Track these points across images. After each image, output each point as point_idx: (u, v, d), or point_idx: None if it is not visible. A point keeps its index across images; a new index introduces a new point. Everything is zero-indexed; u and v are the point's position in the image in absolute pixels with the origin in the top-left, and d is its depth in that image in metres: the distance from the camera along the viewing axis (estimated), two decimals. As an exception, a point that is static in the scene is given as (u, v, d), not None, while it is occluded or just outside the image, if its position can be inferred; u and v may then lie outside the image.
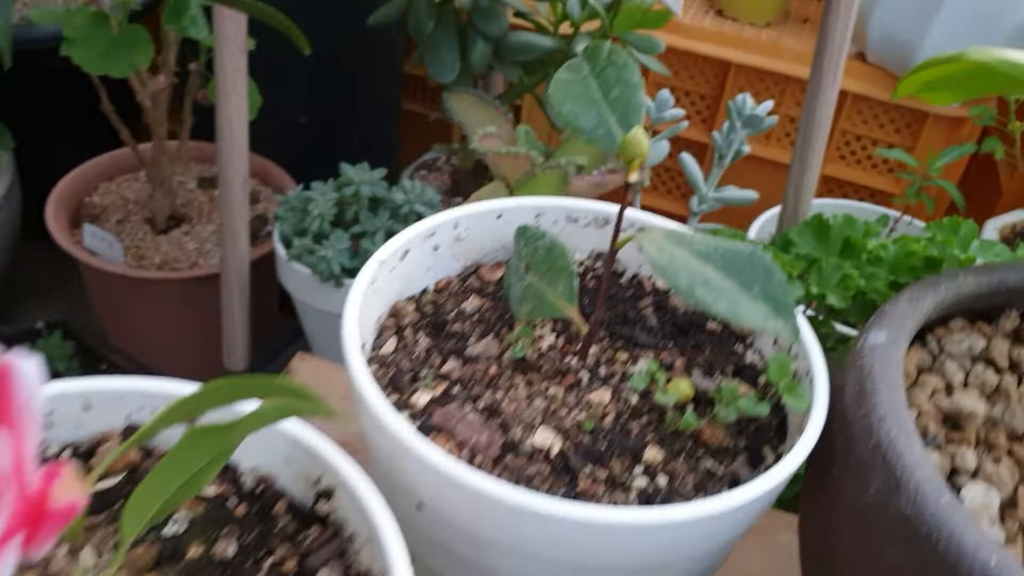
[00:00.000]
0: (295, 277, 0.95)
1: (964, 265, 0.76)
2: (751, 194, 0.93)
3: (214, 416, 0.32)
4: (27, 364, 0.25)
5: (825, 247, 0.87)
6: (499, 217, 0.56)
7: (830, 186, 1.32)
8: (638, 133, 0.46)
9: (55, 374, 1.00)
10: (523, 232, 0.52)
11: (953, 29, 1.15)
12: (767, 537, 0.60)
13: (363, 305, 0.48)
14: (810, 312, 0.82)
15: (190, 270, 1.07)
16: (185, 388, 0.41)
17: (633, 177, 0.45)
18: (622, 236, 0.46)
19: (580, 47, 1.07)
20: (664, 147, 0.95)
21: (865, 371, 0.43)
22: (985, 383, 0.47)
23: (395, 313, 0.52)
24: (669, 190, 1.40)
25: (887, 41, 1.23)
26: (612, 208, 0.57)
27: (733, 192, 0.95)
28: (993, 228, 1.13)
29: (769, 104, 0.87)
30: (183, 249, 1.10)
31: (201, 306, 1.04)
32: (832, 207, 1.19)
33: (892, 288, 0.82)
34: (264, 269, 1.02)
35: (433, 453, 0.40)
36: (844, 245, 0.86)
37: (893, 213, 1.15)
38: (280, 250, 0.98)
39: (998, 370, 0.48)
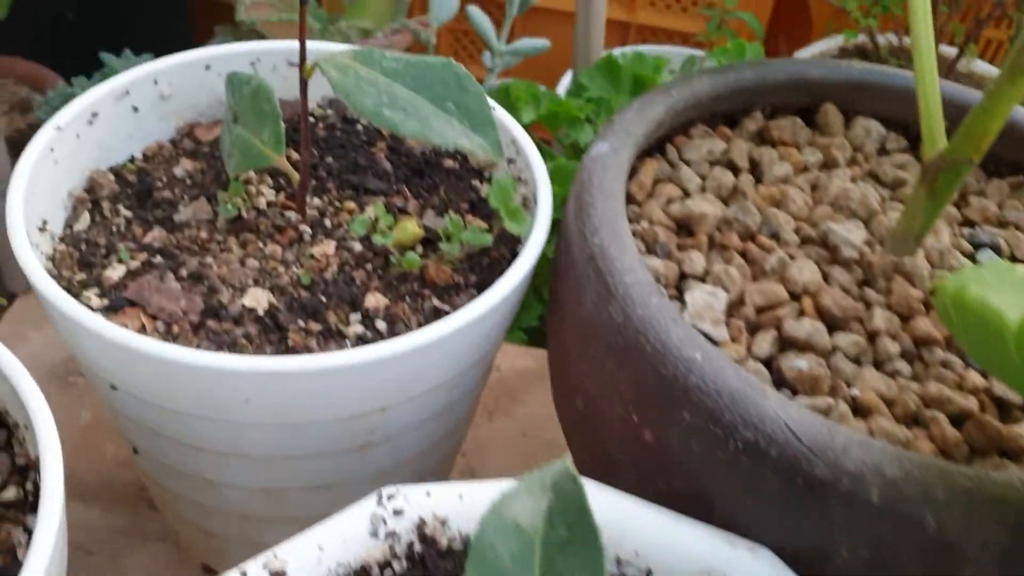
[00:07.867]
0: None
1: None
2: (543, 42, 0.89)
3: None
4: None
5: (616, 87, 0.84)
6: (208, 68, 0.50)
7: (644, 35, 1.29)
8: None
9: None
10: (231, 80, 0.46)
11: None
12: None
13: (37, 177, 0.42)
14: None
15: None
16: None
17: None
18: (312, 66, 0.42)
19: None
20: (452, 4, 0.90)
21: (584, 183, 0.40)
22: (722, 185, 0.45)
23: (91, 186, 0.46)
24: (471, 54, 1.34)
25: None
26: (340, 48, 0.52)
27: (525, 42, 0.90)
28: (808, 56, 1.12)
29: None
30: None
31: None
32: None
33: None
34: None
35: (112, 329, 0.35)
36: (634, 83, 0.83)
37: (701, 53, 1.13)
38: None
39: (737, 171, 0.46)
